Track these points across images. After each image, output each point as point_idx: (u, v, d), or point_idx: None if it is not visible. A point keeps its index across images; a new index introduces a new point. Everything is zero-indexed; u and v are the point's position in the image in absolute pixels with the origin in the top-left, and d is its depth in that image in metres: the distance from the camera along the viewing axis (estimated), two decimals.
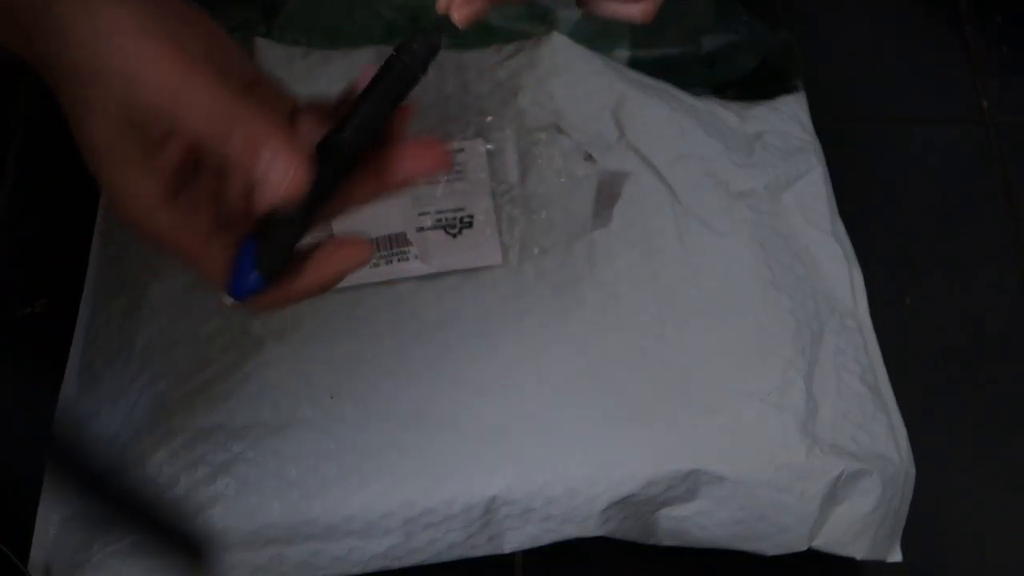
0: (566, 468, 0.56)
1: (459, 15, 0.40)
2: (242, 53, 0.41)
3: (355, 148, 0.39)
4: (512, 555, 0.61)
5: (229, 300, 0.40)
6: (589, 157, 0.63)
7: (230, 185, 0.40)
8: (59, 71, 0.38)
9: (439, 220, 0.61)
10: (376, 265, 0.59)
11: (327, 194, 0.39)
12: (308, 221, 0.40)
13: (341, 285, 0.58)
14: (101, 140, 0.38)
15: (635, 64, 0.72)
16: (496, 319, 0.59)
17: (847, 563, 0.60)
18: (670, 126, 0.65)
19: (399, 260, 0.59)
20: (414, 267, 0.59)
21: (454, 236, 0.60)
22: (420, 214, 0.61)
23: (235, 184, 0.40)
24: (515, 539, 0.58)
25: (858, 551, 0.59)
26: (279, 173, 0.36)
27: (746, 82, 0.75)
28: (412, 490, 0.55)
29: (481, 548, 0.58)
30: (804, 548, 0.59)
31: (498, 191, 0.62)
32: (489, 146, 0.63)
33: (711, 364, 0.59)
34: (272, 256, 0.39)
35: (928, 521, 0.64)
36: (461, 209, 0.61)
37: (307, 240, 0.41)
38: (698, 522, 0.58)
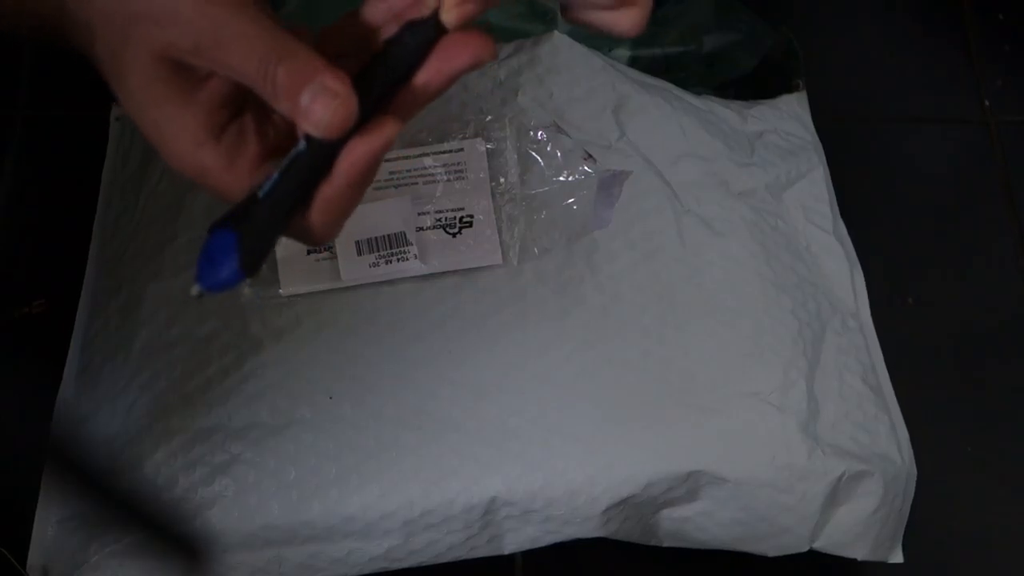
0: (566, 469, 0.56)
1: (449, 17, 0.39)
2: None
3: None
4: (512, 556, 0.61)
5: (196, 291, 0.37)
6: (589, 157, 0.63)
7: (274, 120, 0.39)
8: (91, 20, 0.37)
9: (439, 220, 0.61)
10: (375, 265, 0.59)
11: (311, 186, 0.38)
12: (294, 210, 0.38)
13: (340, 285, 0.59)
14: (140, 81, 0.37)
15: (635, 63, 0.72)
16: (496, 319, 0.59)
17: (848, 564, 0.60)
18: (670, 126, 0.65)
19: (399, 260, 0.59)
20: (414, 267, 0.59)
21: (454, 236, 0.60)
22: (420, 214, 0.60)
23: (280, 119, 0.39)
24: (515, 540, 0.58)
25: (859, 552, 0.59)
26: (322, 107, 0.35)
27: (747, 81, 0.75)
28: (412, 491, 0.55)
29: (481, 549, 0.58)
30: (805, 549, 0.59)
31: (498, 191, 0.62)
32: (489, 145, 0.62)
33: (712, 365, 0.58)
34: (256, 245, 0.37)
35: (930, 522, 0.64)
36: (461, 209, 0.61)
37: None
38: (699, 523, 0.58)
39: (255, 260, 0.37)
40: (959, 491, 0.67)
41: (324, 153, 0.37)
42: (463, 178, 0.62)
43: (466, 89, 0.65)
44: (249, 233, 0.37)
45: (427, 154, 0.62)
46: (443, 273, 0.60)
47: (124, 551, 0.55)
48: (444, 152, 0.62)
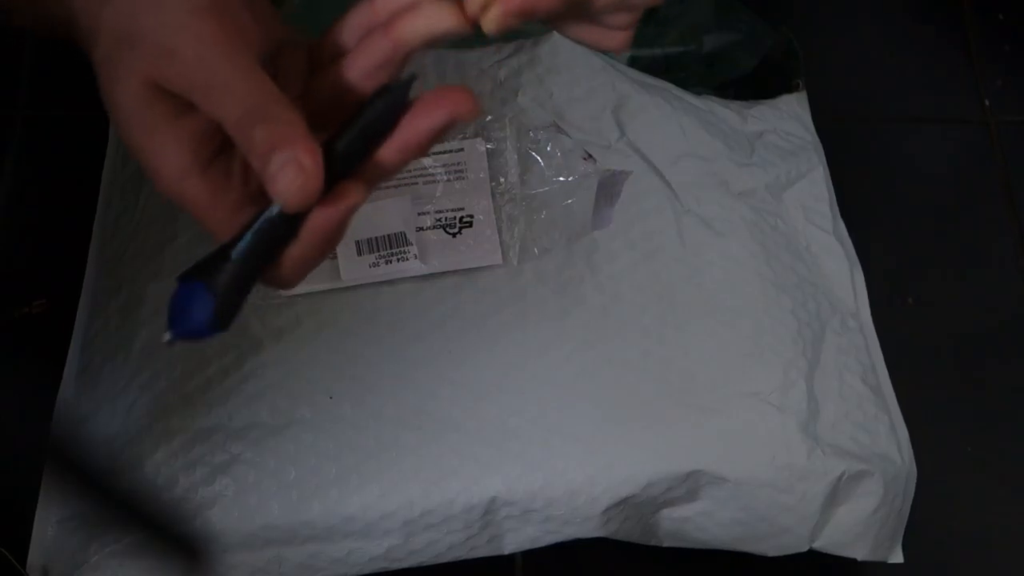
0: (566, 469, 0.56)
1: (491, 26, 0.39)
2: (275, 13, 0.40)
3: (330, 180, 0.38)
4: (512, 556, 0.61)
5: (168, 337, 0.37)
6: (589, 157, 0.63)
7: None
8: (94, 29, 0.37)
9: (439, 220, 0.61)
10: (376, 265, 0.59)
11: (281, 246, 0.38)
12: (264, 267, 0.38)
13: (340, 285, 0.59)
14: (130, 102, 0.37)
15: (635, 63, 0.72)
16: (496, 319, 0.59)
17: (848, 564, 0.60)
18: (670, 125, 0.65)
19: (399, 260, 0.59)
20: (414, 267, 0.59)
21: (454, 236, 0.60)
22: (420, 214, 0.60)
23: None
24: (515, 540, 0.58)
25: (859, 552, 0.59)
26: (289, 179, 0.35)
27: (747, 81, 0.75)
28: (412, 491, 0.55)
29: (481, 549, 0.58)
30: (805, 549, 0.59)
31: (498, 191, 0.62)
32: (489, 145, 0.62)
33: (712, 365, 0.58)
34: (229, 301, 0.37)
35: (929, 522, 0.64)
36: (461, 209, 0.61)
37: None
38: (699, 523, 0.58)
39: (228, 316, 0.37)
40: (959, 491, 0.67)
41: (293, 216, 0.37)
42: (463, 178, 0.62)
43: None
44: (222, 290, 0.37)
45: (427, 154, 0.62)
46: (443, 273, 0.60)
47: (124, 551, 0.55)
48: (444, 152, 0.62)
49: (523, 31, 0.69)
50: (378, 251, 0.59)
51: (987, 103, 0.81)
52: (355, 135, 0.38)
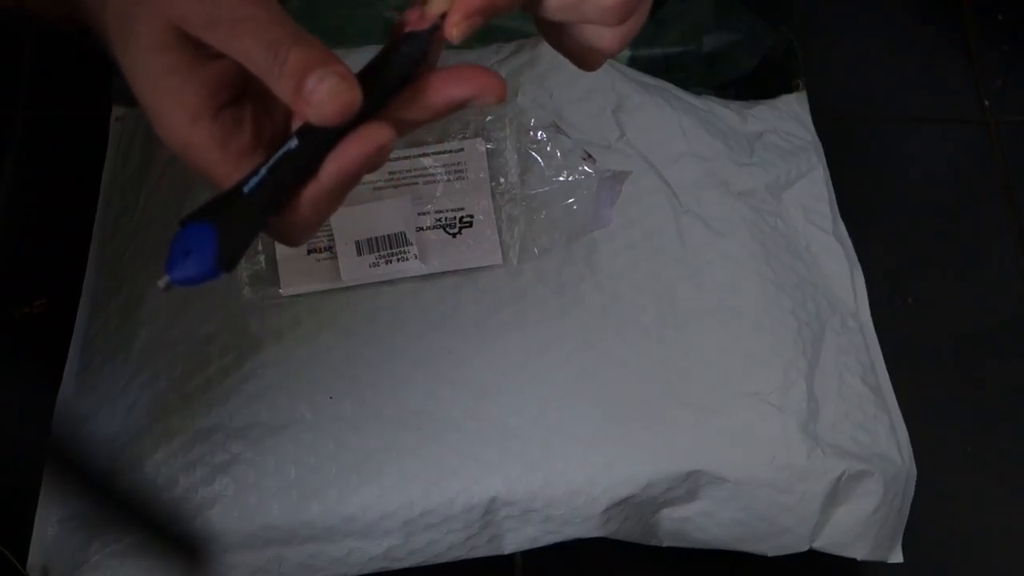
0: (566, 469, 0.56)
1: (456, 32, 0.39)
2: None
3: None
4: (512, 556, 0.61)
5: (164, 282, 0.36)
6: (589, 157, 0.63)
7: (272, 113, 0.39)
8: None
9: (439, 220, 0.61)
10: (376, 265, 0.59)
11: (298, 185, 0.37)
12: (278, 207, 0.37)
13: (340, 285, 0.59)
14: (148, 48, 0.37)
15: (635, 63, 0.72)
16: (496, 319, 0.59)
17: (848, 564, 0.60)
18: (670, 126, 0.65)
19: (399, 260, 0.59)
20: (414, 267, 0.59)
21: (454, 236, 0.60)
22: (420, 214, 0.60)
23: (278, 114, 0.39)
24: (515, 540, 0.58)
25: (859, 552, 0.59)
26: (327, 90, 0.35)
27: (746, 81, 0.75)
28: (412, 491, 0.55)
29: (481, 549, 0.58)
30: (805, 549, 0.59)
31: (498, 191, 0.62)
32: (489, 145, 0.62)
33: (712, 364, 0.58)
34: (236, 240, 0.36)
35: (929, 522, 0.64)
36: (461, 209, 0.61)
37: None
38: (699, 523, 0.58)
39: (233, 256, 0.36)
40: (959, 491, 0.67)
41: (314, 152, 0.37)
42: (463, 178, 0.62)
43: None
44: (230, 228, 0.36)
45: (427, 154, 0.62)
46: (443, 273, 0.60)
47: (124, 551, 0.55)
48: (444, 152, 0.62)
49: (523, 31, 0.69)
50: (378, 251, 0.59)
51: (987, 103, 0.81)
52: (380, 77, 0.38)
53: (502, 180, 0.62)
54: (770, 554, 0.60)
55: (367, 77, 0.37)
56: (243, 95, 0.39)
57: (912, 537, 0.61)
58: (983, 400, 0.70)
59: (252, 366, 0.57)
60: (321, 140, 0.36)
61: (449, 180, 0.61)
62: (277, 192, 0.37)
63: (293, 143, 0.37)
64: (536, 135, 0.63)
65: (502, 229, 0.61)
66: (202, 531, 0.54)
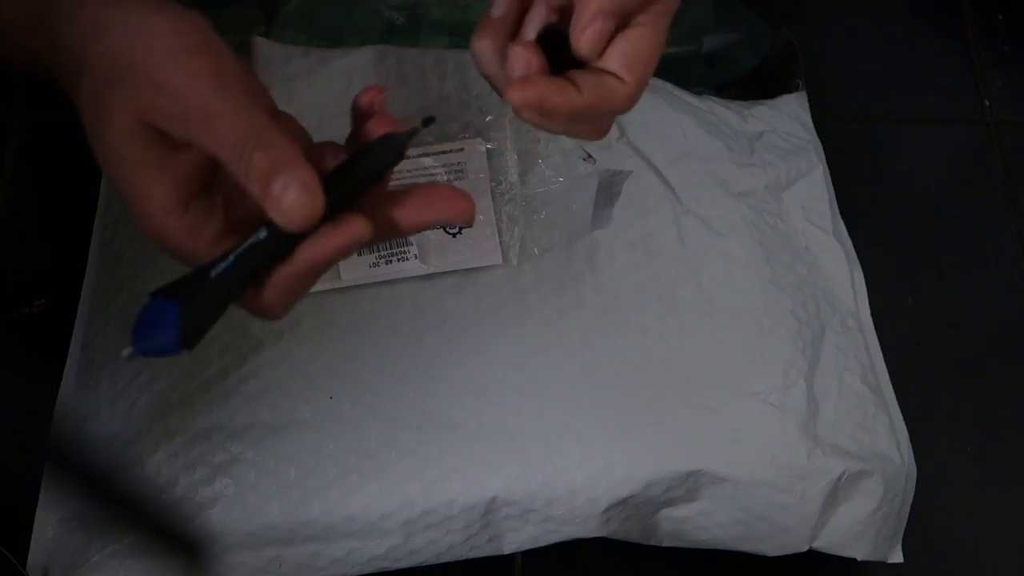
0: (566, 468, 0.56)
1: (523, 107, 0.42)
2: (264, 90, 0.41)
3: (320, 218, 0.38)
4: (512, 556, 0.61)
5: (128, 352, 0.38)
6: (589, 157, 0.63)
7: (243, 197, 0.40)
8: (81, 66, 0.38)
9: None
10: (376, 265, 0.59)
11: (266, 270, 0.38)
12: (243, 291, 0.38)
13: (340, 285, 0.59)
14: (119, 140, 0.38)
15: None
16: (496, 319, 0.59)
17: (848, 564, 0.60)
18: (670, 126, 0.65)
19: (399, 260, 0.59)
20: (414, 267, 0.59)
21: (454, 236, 0.60)
22: None
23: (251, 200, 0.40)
24: (515, 540, 0.58)
25: (859, 552, 0.59)
26: (291, 198, 0.36)
27: (746, 81, 0.75)
28: (412, 491, 0.55)
29: (481, 549, 0.58)
30: (805, 549, 0.59)
31: (498, 191, 0.62)
32: (489, 145, 0.62)
33: (711, 364, 0.58)
34: (198, 321, 0.38)
35: (930, 522, 0.64)
36: None
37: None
38: (699, 523, 0.58)
39: (195, 335, 0.38)
40: (959, 491, 0.67)
41: (285, 241, 0.38)
42: (463, 178, 0.62)
43: (466, 89, 0.65)
44: (193, 309, 0.37)
45: (427, 154, 0.62)
46: (443, 273, 0.60)
47: (124, 551, 0.55)
48: (444, 152, 0.62)
49: None
50: (378, 251, 0.59)
51: (987, 103, 0.81)
52: (356, 173, 0.39)
53: (502, 180, 0.62)
54: (770, 554, 0.60)
55: (342, 171, 0.39)
56: (213, 181, 0.40)
57: (912, 537, 0.61)
58: (983, 400, 0.70)
59: (252, 366, 0.57)
60: (290, 234, 0.38)
61: (449, 180, 0.61)
62: (244, 278, 0.38)
63: (263, 233, 0.38)
64: (536, 135, 0.63)
65: (502, 229, 0.61)
66: (202, 531, 0.54)
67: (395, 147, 0.40)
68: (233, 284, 0.38)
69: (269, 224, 0.38)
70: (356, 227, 0.38)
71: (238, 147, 0.37)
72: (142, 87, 0.37)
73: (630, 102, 0.43)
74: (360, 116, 0.41)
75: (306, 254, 0.38)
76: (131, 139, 0.37)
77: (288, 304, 0.40)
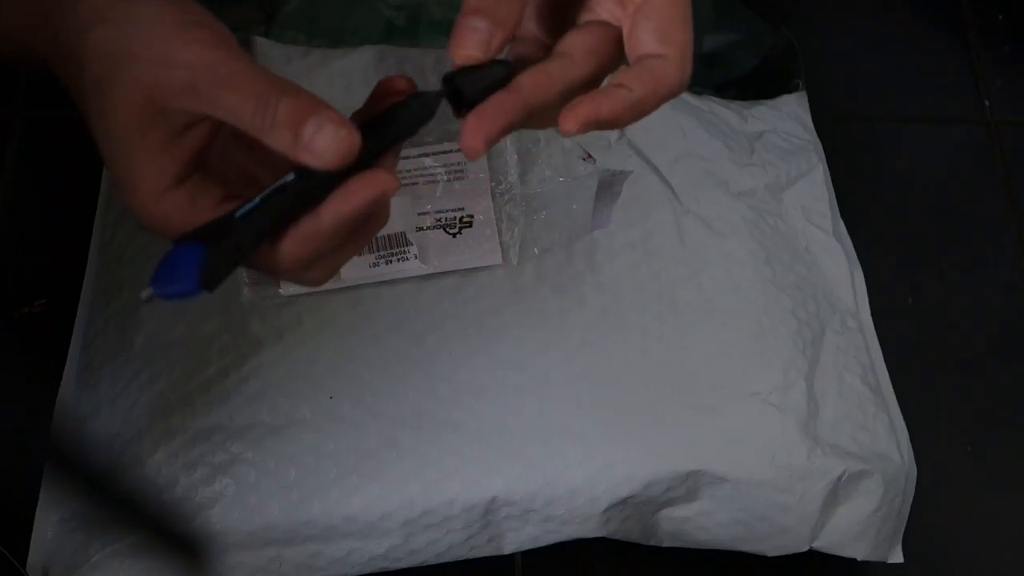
0: (566, 468, 0.56)
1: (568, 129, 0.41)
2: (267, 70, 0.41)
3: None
4: (512, 556, 0.61)
5: (147, 294, 0.37)
6: (589, 157, 0.63)
7: (238, 165, 0.40)
8: (83, 54, 0.38)
9: (439, 220, 0.61)
10: (375, 265, 0.59)
11: (291, 217, 0.38)
12: (267, 235, 0.38)
13: (340, 285, 0.59)
14: (123, 123, 0.37)
15: None
16: (496, 319, 0.59)
17: (848, 564, 0.60)
18: (670, 126, 0.65)
19: (399, 260, 0.59)
20: (413, 267, 0.59)
21: (454, 236, 0.60)
22: (420, 214, 0.60)
23: (243, 165, 0.40)
24: (515, 540, 0.58)
25: (859, 552, 0.59)
26: (327, 137, 0.36)
27: (746, 81, 0.75)
28: (412, 491, 0.55)
29: (481, 549, 0.58)
30: (805, 549, 0.59)
31: (498, 191, 0.62)
32: None
33: (712, 364, 0.58)
34: (221, 263, 0.37)
35: (930, 522, 0.64)
36: (461, 209, 0.61)
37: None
38: (699, 523, 0.58)
39: (217, 277, 0.37)
40: (959, 491, 0.67)
41: (313, 188, 0.38)
42: (463, 178, 0.62)
43: None
44: (217, 250, 0.37)
45: (427, 154, 0.62)
46: (443, 273, 0.60)
47: (124, 551, 0.55)
48: (444, 152, 0.62)
49: None
50: (378, 251, 0.59)
51: (987, 103, 0.81)
52: (384, 128, 0.39)
53: (502, 180, 0.62)
54: (770, 554, 0.60)
55: (372, 126, 0.38)
56: (206, 159, 0.40)
57: (912, 537, 0.61)
58: (983, 400, 0.70)
59: (252, 366, 0.57)
60: (318, 179, 0.37)
61: (449, 180, 0.61)
62: (269, 220, 0.38)
63: (290, 177, 0.37)
64: (536, 135, 0.63)
65: (502, 229, 0.61)
66: (202, 531, 0.54)
67: (427, 104, 0.39)
68: (258, 225, 0.38)
69: (297, 169, 0.37)
70: (384, 178, 0.38)
71: (261, 100, 0.36)
72: (147, 66, 0.37)
73: (682, 74, 0.42)
74: (383, 93, 0.41)
75: (335, 205, 0.38)
76: (135, 121, 0.37)
77: (303, 264, 0.39)
